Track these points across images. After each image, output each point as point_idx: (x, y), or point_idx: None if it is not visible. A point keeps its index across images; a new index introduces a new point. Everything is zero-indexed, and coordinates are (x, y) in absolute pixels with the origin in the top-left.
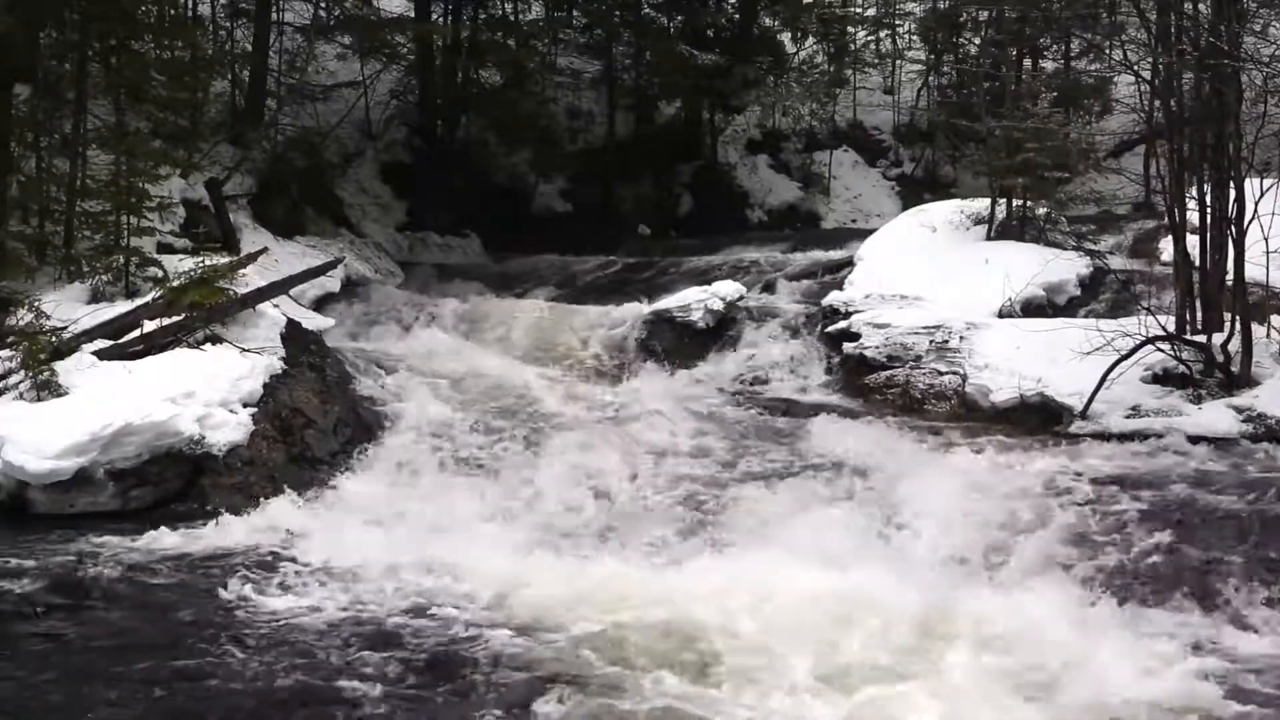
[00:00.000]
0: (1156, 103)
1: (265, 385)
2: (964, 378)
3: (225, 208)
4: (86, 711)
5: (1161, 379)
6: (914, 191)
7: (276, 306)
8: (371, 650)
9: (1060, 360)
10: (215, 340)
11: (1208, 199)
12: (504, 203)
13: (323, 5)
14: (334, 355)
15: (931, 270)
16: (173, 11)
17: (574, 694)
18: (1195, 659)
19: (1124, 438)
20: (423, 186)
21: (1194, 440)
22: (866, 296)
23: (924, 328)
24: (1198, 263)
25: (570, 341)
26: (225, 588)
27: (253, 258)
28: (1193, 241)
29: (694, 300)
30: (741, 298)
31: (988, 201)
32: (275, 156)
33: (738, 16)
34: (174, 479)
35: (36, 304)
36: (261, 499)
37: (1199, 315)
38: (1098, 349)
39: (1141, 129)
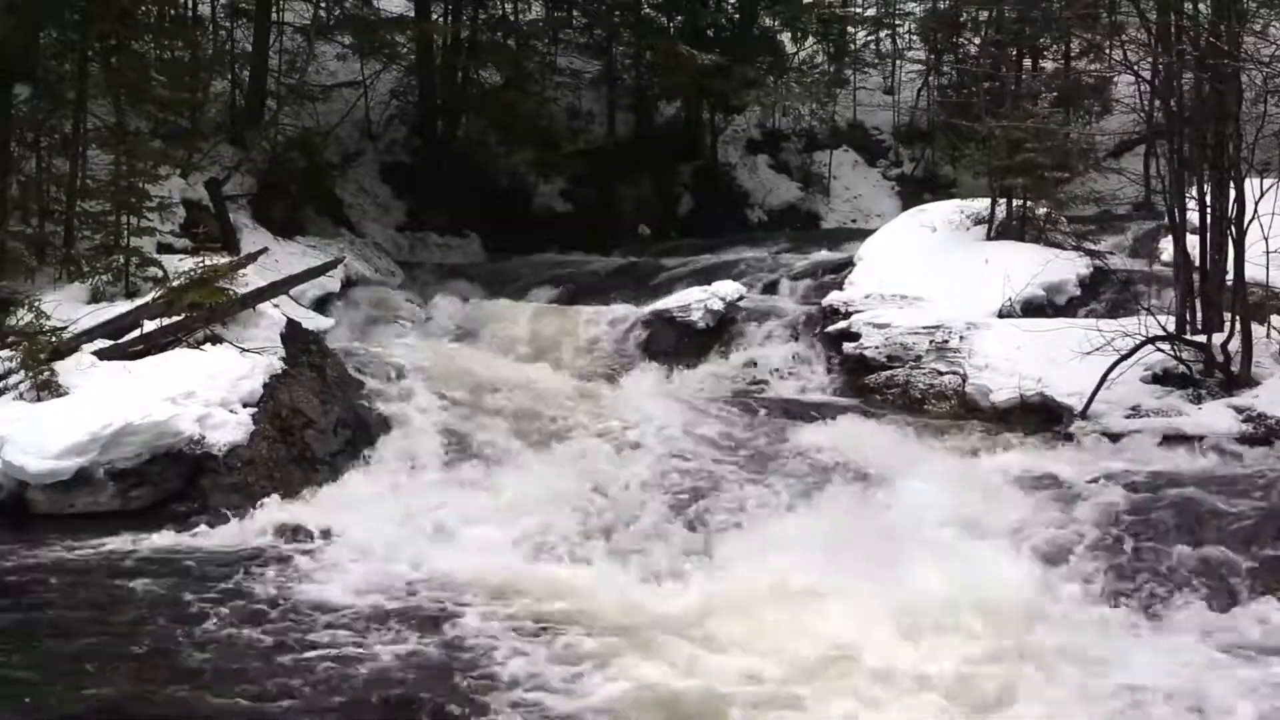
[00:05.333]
0: (1156, 103)
1: (265, 385)
2: (964, 378)
3: (225, 208)
4: (88, 711)
5: (1161, 379)
6: (914, 191)
7: (276, 306)
8: (372, 650)
9: (1060, 360)
10: (215, 340)
11: (1208, 199)
12: (504, 203)
13: (323, 5)
14: (334, 355)
15: (931, 270)
16: (173, 11)
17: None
18: (1200, 657)
19: (1124, 437)
20: (423, 186)
21: (1194, 440)
22: (866, 296)
23: (924, 328)
24: (1198, 263)
25: (570, 342)
26: (225, 587)
27: (253, 258)
28: (1193, 241)
29: (694, 300)
30: (741, 298)
31: (988, 201)
32: (275, 156)
33: (738, 16)
34: (174, 479)
35: (36, 304)
36: (262, 499)
37: (1199, 315)
38: (1098, 349)
39: (1141, 129)
